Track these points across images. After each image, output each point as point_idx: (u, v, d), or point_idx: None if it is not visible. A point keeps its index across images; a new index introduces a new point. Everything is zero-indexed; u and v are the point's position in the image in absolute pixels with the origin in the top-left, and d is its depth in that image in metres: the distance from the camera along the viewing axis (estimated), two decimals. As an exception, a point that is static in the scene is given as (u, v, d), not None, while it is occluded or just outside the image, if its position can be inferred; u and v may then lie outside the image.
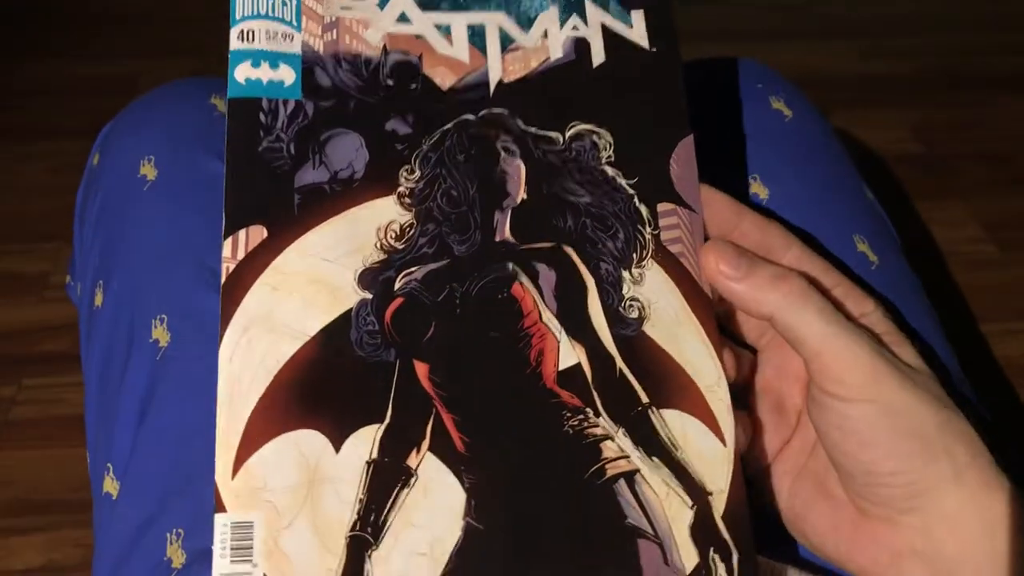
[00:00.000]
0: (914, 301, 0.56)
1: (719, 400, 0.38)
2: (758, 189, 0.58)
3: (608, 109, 0.42)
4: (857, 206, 0.60)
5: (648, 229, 0.40)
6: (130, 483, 0.50)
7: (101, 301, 0.57)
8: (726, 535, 0.36)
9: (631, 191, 0.41)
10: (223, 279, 0.36)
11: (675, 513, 0.36)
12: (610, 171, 0.41)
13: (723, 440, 0.38)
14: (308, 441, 0.35)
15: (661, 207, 0.41)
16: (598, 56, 0.43)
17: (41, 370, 1.07)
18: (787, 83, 0.65)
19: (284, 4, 0.41)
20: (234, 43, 0.40)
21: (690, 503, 0.36)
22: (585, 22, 0.43)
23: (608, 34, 0.43)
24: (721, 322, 0.42)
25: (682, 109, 0.43)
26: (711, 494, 0.37)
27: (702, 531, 0.36)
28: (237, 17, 0.40)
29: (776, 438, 0.42)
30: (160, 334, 0.52)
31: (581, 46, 0.43)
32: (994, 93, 1.52)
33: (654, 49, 0.43)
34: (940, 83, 1.54)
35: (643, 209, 0.40)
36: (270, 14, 0.40)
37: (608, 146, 0.41)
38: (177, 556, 0.47)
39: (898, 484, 0.37)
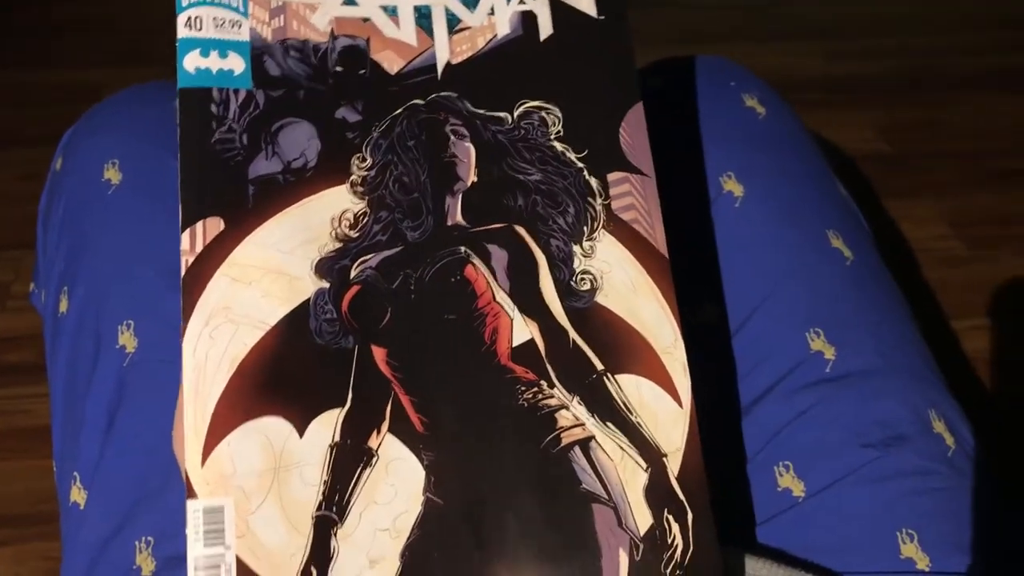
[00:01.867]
0: (889, 296, 0.56)
1: (675, 361, 0.39)
2: (732, 187, 0.57)
3: (556, 83, 0.42)
4: (831, 202, 0.60)
5: (599, 200, 0.41)
6: (98, 492, 0.49)
7: (66, 308, 0.56)
8: (680, 495, 0.37)
9: (580, 165, 0.41)
10: (183, 272, 0.37)
11: (630, 476, 0.37)
12: (559, 146, 0.41)
13: (679, 401, 0.38)
14: (273, 427, 0.35)
15: (612, 176, 0.41)
16: (545, 29, 0.43)
17: (5, 381, 1.04)
18: (760, 81, 0.65)
19: None
20: (181, 31, 0.39)
21: (644, 466, 0.37)
22: None
23: (555, 4, 0.43)
24: None
25: (631, 77, 0.43)
26: (666, 455, 0.37)
27: (656, 492, 0.37)
28: (184, 4, 0.40)
29: None
30: (127, 340, 0.52)
31: (528, 20, 0.43)
32: (957, 92, 1.53)
33: (602, 17, 0.44)
34: (904, 83, 1.56)
35: (593, 181, 0.41)
36: (216, 0, 0.40)
37: (556, 121, 0.42)
38: (147, 564, 0.47)
39: None
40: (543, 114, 0.42)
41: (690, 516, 0.36)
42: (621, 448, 0.37)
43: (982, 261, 1.25)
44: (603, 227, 0.40)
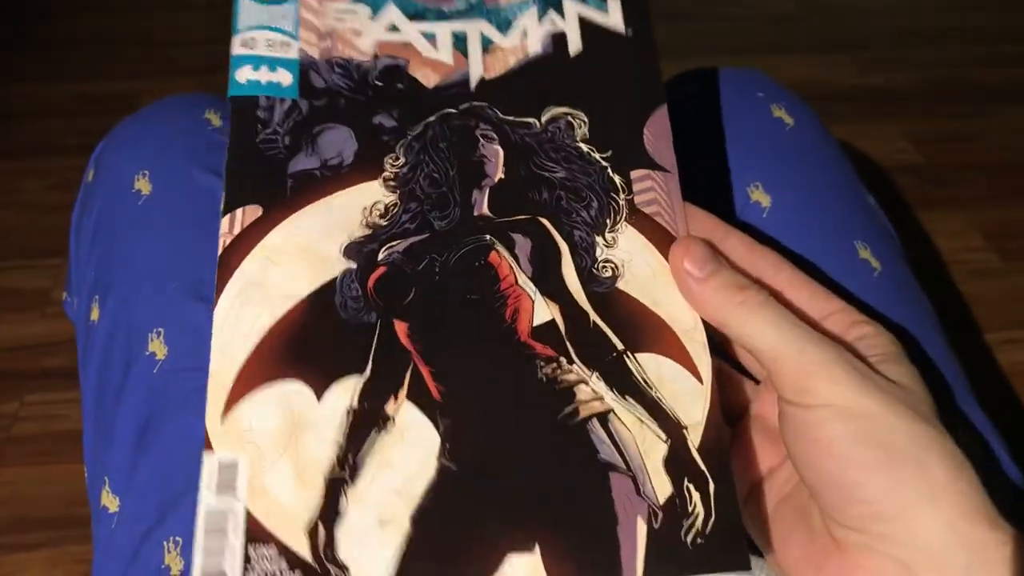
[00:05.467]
0: (917, 308, 0.56)
1: (695, 342, 0.39)
2: (760, 197, 0.57)
3: (583, 92, 0.44)
4: (859, 212, 0.60)
5: (622, 195, 0.42)
6: (129, 496, 0.50)
7: (97, 316, 0.57)
8: (702, 465, 0.37)
9: (604, 163, 0.43)
10: (219, 250, 0.39)
11: (649, 447, 0.37)
12: (584, 147, 0.43)
13: (700, 378, 0.39)
14: (292, 390, 0.37)
15: (635, 173, 0.43)
16: (575, 46, 0.46)
17: (43, 386, 1.06)
18: (788, 92, 0.65)
19: (283, 17, 0.44)
20: (236, 49, 0.43)
21: (664, 437, 0.37)
22: (562, 16, 0.46)
23: (585, 24, 0.46)
24: (723, 348, 0.42)
25: (657, 83, 0.45)
26: (686, 428, 0.37)
27: (676, 463, 0.37)
28: (240, 27, 0.44)
29: (763, 463, 0.41)
30: (157, 347, 0.52)
31: (558, 39, 0.46)
32: (992, 104, 1.52)
33: (629, 32, 0.46)
34: (938, 95, 1.55)
35: (616, 178, 0.42)
36: (270, 25, 0.44)
37: (582, 124, 0.44)
38: (175, 563, 0.47)
39: (860, 500, 0.34)
40: (569, 118, 0.44)
41: (712, 486, 0.36)
42: (640, 420, 0.37)
43: (1017, 273, 1.23)
44: (625, 220, 0.42)
